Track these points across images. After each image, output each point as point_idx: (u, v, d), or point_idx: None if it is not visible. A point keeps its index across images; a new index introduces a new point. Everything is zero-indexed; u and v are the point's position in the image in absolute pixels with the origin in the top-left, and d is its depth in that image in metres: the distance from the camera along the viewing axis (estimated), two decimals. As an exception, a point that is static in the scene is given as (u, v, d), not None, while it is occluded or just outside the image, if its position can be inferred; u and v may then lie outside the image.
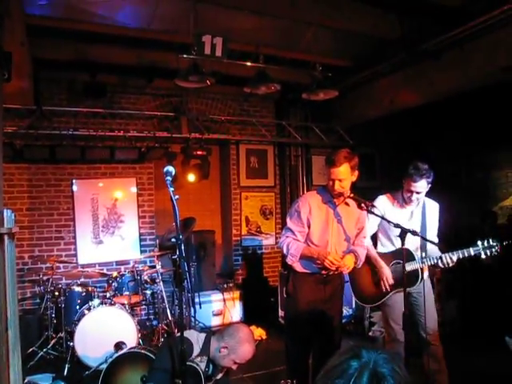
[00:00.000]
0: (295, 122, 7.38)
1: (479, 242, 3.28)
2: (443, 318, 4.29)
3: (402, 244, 2.91)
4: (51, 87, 6.03)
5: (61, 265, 5.90)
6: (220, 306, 6.33)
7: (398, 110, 6.18)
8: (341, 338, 3.58)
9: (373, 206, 3.17)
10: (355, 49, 5.61)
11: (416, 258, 3.43)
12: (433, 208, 3.68)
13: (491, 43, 4.69)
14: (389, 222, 3.12)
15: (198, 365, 2.68)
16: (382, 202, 3.64)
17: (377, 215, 3.24)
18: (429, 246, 3.49)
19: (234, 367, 2.81)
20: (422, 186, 3.40)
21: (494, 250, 3.25)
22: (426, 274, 3.53)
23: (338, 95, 5.65)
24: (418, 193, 3.42)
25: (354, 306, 6.00)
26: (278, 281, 6.54)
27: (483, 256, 3.27)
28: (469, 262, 3.65)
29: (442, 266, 3.35)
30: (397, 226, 2.99)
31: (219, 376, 2.91)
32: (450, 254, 3.30)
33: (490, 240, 3.26)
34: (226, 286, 6.66)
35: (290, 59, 5.42)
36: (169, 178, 2.52)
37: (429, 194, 3.61)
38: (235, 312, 6.43)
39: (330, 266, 3.16)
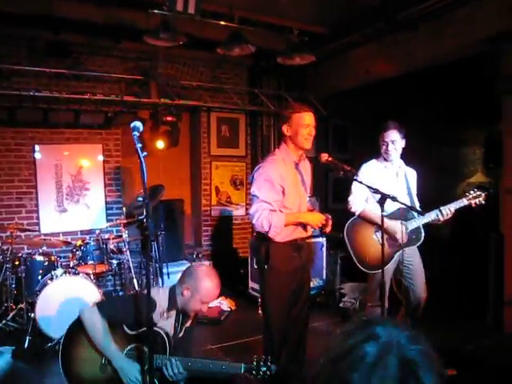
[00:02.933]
0: (268, 90, 7.20)
1: (470, 191, 3.52)
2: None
3: (382, 210, 2.90)
4: (10, 44, 5.62)
5: (22, 234, 5.64)
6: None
7: (373, 80, 6.07)
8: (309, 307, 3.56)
9: (351, 171, 3.08)
10: (333, 16, 5.45)
11: (415, 215, 3.55)
12: (412, 173, 3.87)
13: (469, 14, 4.61)
14: (368, 187, 3.06)
15: (160, 328, 2.56)
16: (369, 168, 3.76)
17: (357, 181, 3.16)
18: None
19: (204, 308, 2.69)
20: (394, 135, 3.62)
21: (480, 198, 3.48)
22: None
23: (313, 64, 5.50)
24: (392, 142, 3.61)
25: (324, 277, 6.00)
26: (247, 252, 6.46)
27: (473, 205, 3.49)
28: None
29: (442, 219, 3.50)
30: (376, 191, 2.95)
31: (188, 323, 2.81)
32: (448, 205, 3.49)
33: (476, 189, 3.52)
34: (194, 256, 6.55)
35: (264, 23, 5.21)
36: (136, 133, 2.35)
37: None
38: (204, 283, 6.32)
39: (318, 227, 3.21)
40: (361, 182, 3.09)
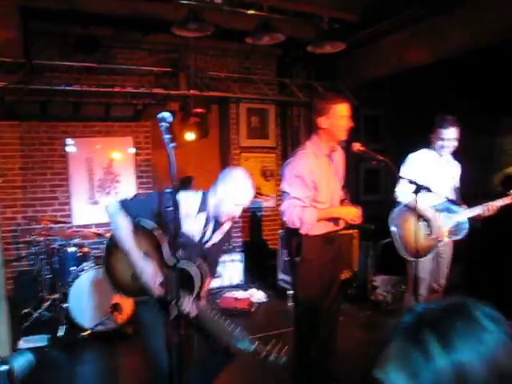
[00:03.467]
0: (298, 80, 7.08)
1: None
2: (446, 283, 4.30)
3: (416, 200, 2.87)
4: (42, 40, 5.69)
5: (56, 226, 5.75)
6: (219, 268, 6.21)
7: (406, 68, 5.89)
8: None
9: (384, 161, 2.99)
10: (363, 2, 5.31)
11: (461, 209, 3.59)
12: (457, 168, 3.91)
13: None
14: (401, 177, 3.08)
15: (187, 265, 2.54)
16: (417, 157, 3.75)
17: (393, 170, 3.08)
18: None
19: (237, 211, 2.64)
20: (451, 133, 3.58)
21: None
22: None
23: (343, 53, 5.38)
24: (449, 140, 3.59)
25: (356, 269, 5.89)
26: (277, 244, 6.42)
27: None
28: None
29: (487, 214, 3.52)
30: (411, 182, 2.87)
31: (219, 233, 2.75)
32: (493, 202, 3.50)
33: None
34: (225, 248, 6.53)
35: (294, 11, 5.11)
36: (163, 124, 2.32)
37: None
38: (235, 274, 6.33)
39: (353, 221, 3.09)
40: (393, 171, 3.01)
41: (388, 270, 5.57)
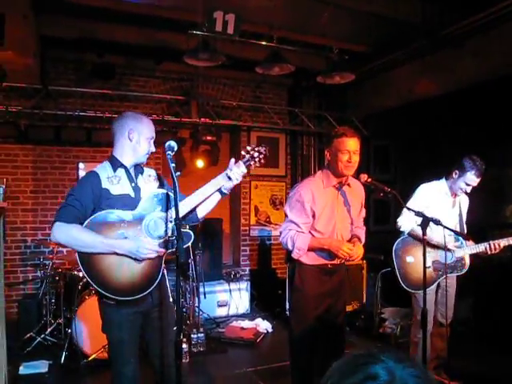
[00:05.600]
0: (308, 110, 7.16)
1: None
2: (456, 317, 4.20)
3: (423, 234, 2.76)
4: (58, 67, 5.88)
5: (64, 249, 5.77)
6: (226, 297, 6.17)
7: (417, 100, 5.92)
8: (345, 333, 3.42)
9: (391, 192, 2.93)
10: (373, 34, 5.36)
11: (464, 244, 3.56)
12: (466, 201, 3.86)
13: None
14: (409, 209, 2.99)
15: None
16: (429, 190, 3.70)
17: (400, 202, 3.03)
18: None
19: (152, 147, 2.64)
20: (478, 181, 3.54)
21: None
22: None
23: (354, 83, 5.43)
24: (473, 186, 3.57)
25: (364, 301, 5.81)
26: (286, 273, 6.35)
27: None
28: (481, 258, 3.75)
29: (489, 252, 3.45)
30: (418, 214, 2.83)
31: (144, 177, 2.72)
32: (497, 240, 3.41)
33: None
34: (232, 276, 6.49)
35: (304, 42, 5.19)
36: (169, 152, 2.36)
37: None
38: (241, 303, 6.26)
39: (344, 257, 2.98)
40: (400, 203, 2.98)
41: (397, 302, 5.48)
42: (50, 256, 5.00)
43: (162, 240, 2.52)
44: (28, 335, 4.69)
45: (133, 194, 2.55)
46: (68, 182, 6.02)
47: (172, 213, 2.50)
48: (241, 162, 2.64)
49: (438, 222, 2.81)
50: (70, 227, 2.34)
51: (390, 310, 5.49)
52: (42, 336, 4.66)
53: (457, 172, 3.58)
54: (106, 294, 2.41)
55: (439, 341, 3.79)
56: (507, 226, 6.18)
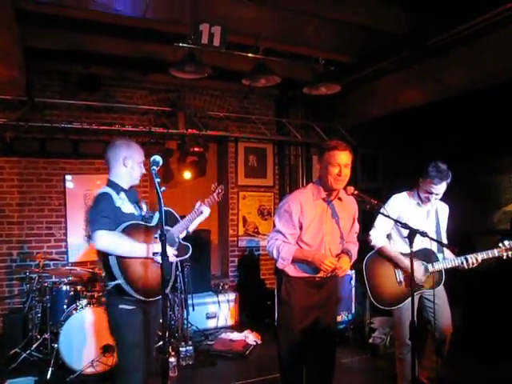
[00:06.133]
0: (296, 120, 7.18)
1: (505, 242, 3.30)
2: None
3: (410, 246, 2.69)
4: (44, 79, 5.84)
5: (51, 262, 5.70)
6: (214, 309, 6.13)
7: (402, 109, 5.98)
8: (336, 345, 3.36)
9: (377, 205, 2.92)
10: (359, 44, 5.40)
11: (439, 258, 3.46)
12: (444, 209, 3.71)
13: (501, 39, 4.50)
14: (396, 221, 2.96)
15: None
16: (399, 201, 3.61)
17: (383, 214, 3.02)
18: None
19: (143, 169, 3.00)
20: (442, 187, 3.40)
21: None
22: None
23: (340, 93, 5.46)
24: (437, 194, 3.43)
25: (353, 311, 5.80)
26: (275, 283, 6.34)
27: (505, 257, 3.30)
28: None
29: (467, 267, 3.35)
30: (404, 226, 2.79)
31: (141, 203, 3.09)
32: (475, 254, 3.31)
33: (511, 241, 3.29)
34: (220, 287, 6.46)
35: (290, 53, 5.22)
36: (154, 167, 2.37)
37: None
38: (230, 315, 6.22)
39: (326, 270, 2.94)
40: (388, 216, 2.98)
41: (386, 311, 5.47)
42: (36, 270, 4.93)
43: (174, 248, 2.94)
44: (13, 351, 4.60)
45: (137, 213, 2.87)
46: (55, 194, 5.98)
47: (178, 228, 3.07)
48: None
49: (425, 234, 2.78)
50: (112, 233, 2.60)
51: (379, 319, 5.47)
52: (28, 351, 4.56)
53: (421, 179, 3.48)
54: (136, 296, 2.63)
55: (434, 355, 3.70)
56: (495, 233, 6.24)
